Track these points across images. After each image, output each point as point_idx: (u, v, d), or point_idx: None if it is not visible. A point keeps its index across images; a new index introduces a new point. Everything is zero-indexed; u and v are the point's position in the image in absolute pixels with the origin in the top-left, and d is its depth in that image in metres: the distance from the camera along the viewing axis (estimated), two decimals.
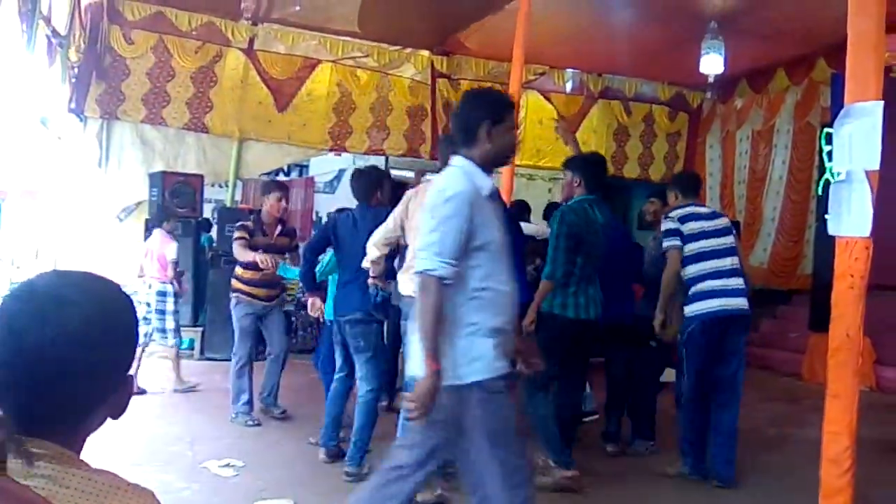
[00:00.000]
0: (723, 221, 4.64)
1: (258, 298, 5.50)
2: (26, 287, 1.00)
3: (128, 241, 8.38)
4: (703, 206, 4.87)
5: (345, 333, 4.51)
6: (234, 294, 5.56)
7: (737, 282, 4.44)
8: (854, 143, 3.50)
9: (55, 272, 1.06)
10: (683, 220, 4.54)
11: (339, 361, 4.74)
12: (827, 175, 3.73)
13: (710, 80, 8.15)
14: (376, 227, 4.25)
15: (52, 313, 0.96)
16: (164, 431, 5.05)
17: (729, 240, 4.54)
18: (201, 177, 8.37)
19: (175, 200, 7.89)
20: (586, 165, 4.62)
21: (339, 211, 5.28)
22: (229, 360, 5.79)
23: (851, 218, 3.52)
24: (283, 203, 5.71)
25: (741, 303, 4.42)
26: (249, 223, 5.61)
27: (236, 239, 5.49)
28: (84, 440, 1.03)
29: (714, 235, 4.50)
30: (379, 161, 11.09)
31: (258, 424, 5.34)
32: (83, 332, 0.96)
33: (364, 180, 4.73)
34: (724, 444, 4.42)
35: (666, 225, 4.61)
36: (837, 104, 3.91)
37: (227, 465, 4.36)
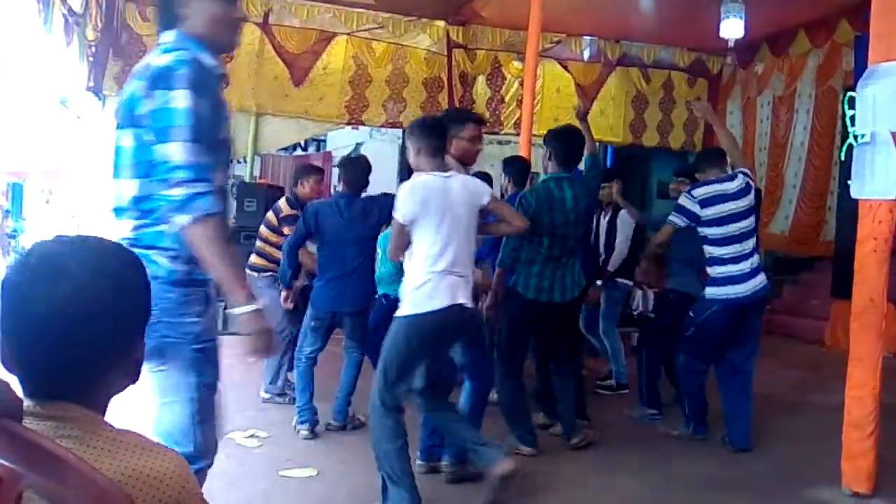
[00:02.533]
0: (747, 200, 4.39)
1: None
2: (24, 258, 1.01)
3: None
4: (732, 180, 4.43)
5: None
6: (268, 274, 5.26)
7: (754, 262, 4.38)
8: (878, 105, 3.45)
9: (53, 240, 1.05)
10: (705, 203, 4.36)
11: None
12: (850, 139, 3.68)
13: (731, 44, 8.01)
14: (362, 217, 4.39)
15: (48, 284, 0.97)
16: None
17: (751, 221, 4.41)
18: None
19: None
20: (557, 139, 4.43)
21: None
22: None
23: (876, 180, 3.48)
24: (321, 186, 5.62)
25: (759, 281, 4.36)
26: (297, 212, 5.11)
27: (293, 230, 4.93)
28: (107, 403, 1.05)
29: (739, 218, 4.34)
30: (396, 134, 11.11)
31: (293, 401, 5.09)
32: (79, 300, 0.97)
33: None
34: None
35: (682, 201, 4.47)
36: (861, 66, 3.85)
37: (252, 436, 4.42)
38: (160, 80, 1.97)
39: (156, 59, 2.01)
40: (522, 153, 6.19)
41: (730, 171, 4.56)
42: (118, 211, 2.11)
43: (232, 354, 6.49)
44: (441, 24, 9.18)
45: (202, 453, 2.11)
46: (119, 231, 2.08)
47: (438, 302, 3.25)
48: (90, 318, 0.97)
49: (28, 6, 6.59)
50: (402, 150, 11.59)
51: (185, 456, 2.03)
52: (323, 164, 11.11)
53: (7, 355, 0.99)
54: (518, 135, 7.47)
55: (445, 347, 3.49)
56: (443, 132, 3.48)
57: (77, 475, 0.85)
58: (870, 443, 3.59)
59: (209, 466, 2.15)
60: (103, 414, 1.03)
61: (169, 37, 2.08)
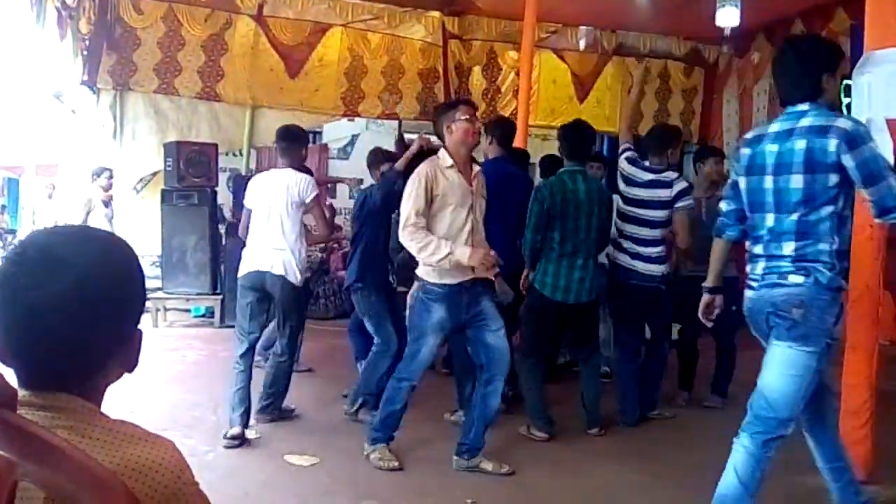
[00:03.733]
0: (662, 193, 4.56)
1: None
2: (19, 249, 1.00)
3: (145, 212, 8.44)
4: (653, 172, 4.65)
5: None
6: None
7: (654, 252, 4.62)
8: (873, 92, 3.44)
9: (49, 231, 1.04)
10: (625, 179, 4.70)
11: None
12: None
13: (727, 33, 7.99)
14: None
15: (44, 275, 0.96)
16: (187, 397, 5.13)
17: (657, 214, 4.58)
18: (215, 145, 8.36)
19: (190, 170, 7.90)
20: (563, 134, 4.55)
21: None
22: None
23: None
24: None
25: (651, 269, 4.62)
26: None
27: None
28: (102, 393, 1.05)
29: (647, 206, 4.60)
30: (392, 125, 11.09)
31: None
32: (79, 290, 0.96)
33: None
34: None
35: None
36: (857, 55, 3.85)
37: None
38: (858, 138, 2.60)
39: (839, 123, 2.64)
40: (519, 143, 6.19)
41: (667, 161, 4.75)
42: (779, 235, 2.76)
43: (228, 348, 6.55)
44: (436, 14, 9.15)
45: (792, 420, 2.79)
46: (783, 251, 2.75)
47: (247, 267, 4.37)
48: (90, 308, 0.97)
49: (20, 0, 6.56)
50: (398, 142, 11.58)
51: (778, 421, 2.76)
52: (319, 156, 11.08)
53: (2, 347, 0.99)
54: None
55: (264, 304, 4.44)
56: (294, 137, 4.67)
57: (73, 464, 0.85)
58: (865, 430, 3.60)
59: (789, 433, 2.80)
60: (99, 404, 1.03)
61: (804, 106, 2.74)
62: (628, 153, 4.76)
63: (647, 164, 4.67)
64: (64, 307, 0.95)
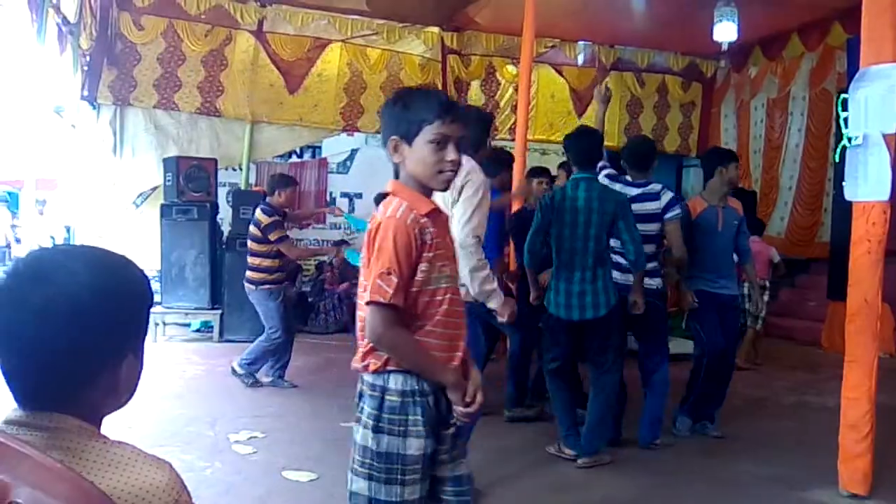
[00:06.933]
0: (651, 206, 4.51)
1: (281, 283, 5.84)
2: (14, 264, 1.00)
3: (145, 227, 8.45)
4: (641, 185, 4.55)
5: None
6: (267, 286, 5.67)
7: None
8: (870, 107, 3.46)
9: (49, 248, 1.04)
10: None
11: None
12: (843, 141, 3.69)
13: (724, 48, 8.05)
14: None
15: (25, 289, 0.95)
16: (185, 412, 5.11)
17: (650, 227, 4.50)
18: (215, 160, 8.38)
19: (190, 185, 7.92)
20: (568, 142, 4.41)
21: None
22: (248, 341, 5.99)
23: (869, 182, 3.49)
24: (294, 195, 6.15)
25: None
26: (279, 212, 5.78)
27: (279, 232, 5.64)
28: (100, 416, 1.03)
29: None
30: None
31: (295, 386, 5.79)
32: (57, 306, 0.95)
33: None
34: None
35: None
36: (854, 69, 3.86)
37: (248, 444, 4.41)
38: None
39: None
40: (517, 158, 6.20)
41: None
42: None
43: (226, 363, 6.50)
44: (435, 30, 9.20)
45: None
46: None
47: None
48: (66, 325, 0.95)
49: (21, 15, 6.59)
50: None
51: None
52: (319, 170, 11.08)
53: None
54: (513, 140, 7.48)
55: None
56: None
57: (67, 487, 0.84)
58: (866, 444, 3.59)
59: None
60: (98, 426, 1.01)
61: None
62: (606, 171, 4.65)
63: (628, 178, 4.60)
64: (41, 321, 0.94)
